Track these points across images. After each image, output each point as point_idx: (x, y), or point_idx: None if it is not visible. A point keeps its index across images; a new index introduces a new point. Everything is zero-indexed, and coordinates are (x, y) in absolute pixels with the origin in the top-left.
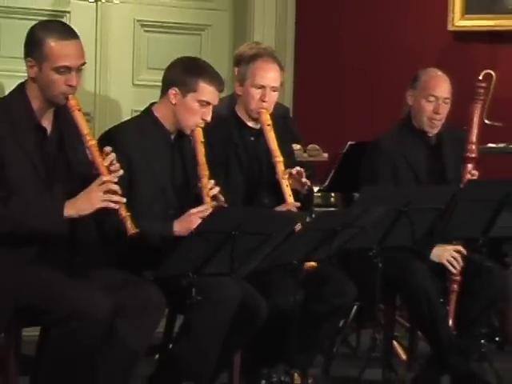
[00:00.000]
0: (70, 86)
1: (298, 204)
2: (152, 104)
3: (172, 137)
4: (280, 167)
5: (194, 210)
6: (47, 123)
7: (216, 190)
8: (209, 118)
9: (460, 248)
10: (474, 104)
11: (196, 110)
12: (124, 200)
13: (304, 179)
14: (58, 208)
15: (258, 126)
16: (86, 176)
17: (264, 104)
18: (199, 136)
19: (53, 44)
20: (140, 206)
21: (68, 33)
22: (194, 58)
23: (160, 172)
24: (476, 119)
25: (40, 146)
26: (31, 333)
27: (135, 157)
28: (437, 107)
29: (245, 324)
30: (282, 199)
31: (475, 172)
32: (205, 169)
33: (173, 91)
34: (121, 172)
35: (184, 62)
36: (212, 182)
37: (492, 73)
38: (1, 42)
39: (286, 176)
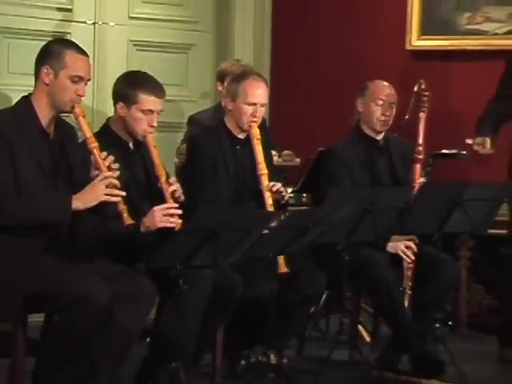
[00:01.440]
0: (79, 95)
1: (282, 212)
2: (108, 119)
3: (131, 144)
4: (264, 180)
5: (156, 208)
6: (50, 129)
7: (174, 187)
8: (155, 124)
9: (413, 237)
10: (420, 111)
11: (141, 118)
12: (123, 193)
13: (283, 194)
14: (66, 200)
15: (243, 137)
16: (83, 176)
17: (254, 119)
18: (151, 141)
19: (72, 55)
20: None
21: (83, 51)
22: (134, 71)
23: (124, 177)
24: (422, 125)
25: (45, 149)
26: (36, 318)
27: None
28: (385, 109)
29: (224, 301)
30: (263, 205)
31: (424, 180)
32: (161, 169)
33: (119, 105)
34: (118, 172)
35: (125, 78)
36: (171, 180)
37: (423, 84)
38: (10, 60)
39: (269, 188)
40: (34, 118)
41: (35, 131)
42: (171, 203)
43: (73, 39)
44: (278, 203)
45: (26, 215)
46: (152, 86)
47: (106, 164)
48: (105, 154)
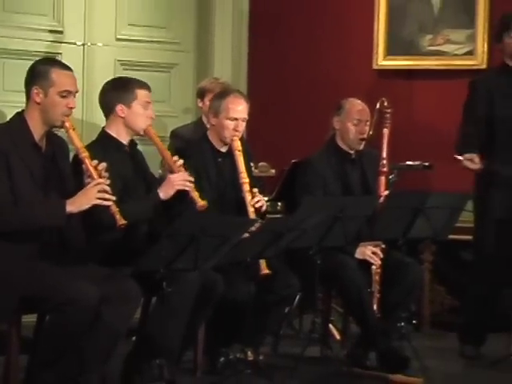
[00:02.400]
0: (70, 108)
1: (258, 219)
2: (103, 128)
3: (126, 148)
4: (246, 187)
5: (172, 175)
6: (42, 143)
7: (180, 162)
8: (153, 116)
9: (379, 243)
10: (384, 127)
11: (143, 112)
12: (114, 198)
13: (263, 208)
14: (60, 204)
15: (225, 150)
16: (72, 186)
17: (236, 133)
18: (153, 132)
19: (58, 73)
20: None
21: (67, 66)
22: (117, 77)
23: (124, 175)
24: (385, 140)
25: (37, 161)
26: (30, 319)
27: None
28: (361, 128)
29: (204, 298)
30: (244, 212)
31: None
32: (166, 151)
33: (119, 107)
34: (109, 181)
35: (113, 84)
36: (175, 157)
37: (385, 101)
38: (4, 78)
39: (251, 195)
40: (27, 133)
41: (28, 145)
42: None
43: (63, 59)
44: (259, 211)
45: (23, 221)
46: (143, 82)
47: (97, 171)
48: (96, 162)
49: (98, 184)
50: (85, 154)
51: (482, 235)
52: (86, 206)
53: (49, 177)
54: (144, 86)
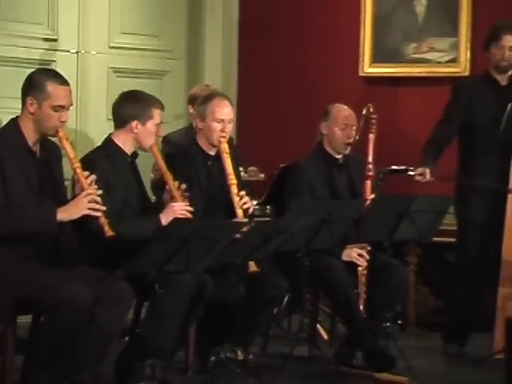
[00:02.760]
0: (62, 121)
1: (246, 220)
2: (110, 134)
3: (129, 158)
4: (233, 189)
5: (175, 204)
6: (36, 148)
7: (183, 187)
8: (163, 134)
9: (365, 245)
10: (369, 133)
11: (154, 131)
12: (104, 208)
13: (251, 210)
14: (52, 212)
15: (213, 153)
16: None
17: (223, 134)
18: (157, 149)
19: (53, 86)
20: (112, 211)
21: (64, 80)
22: (135, 91)
23: (125, 184)
24: (371, 145)
25: (32, 167)
26: (25, 319)
27: (109, 178)
28: (348, 133)
29: (195, 300)
30: (233, 213)
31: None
32: (167, 173)
33: (134, 123)
34: (100, 191)
35: (133, 98)
36: (177, 182)
37: (371, 107)
38: (0, 85)
39: (238, 196)
40: (21, 139)
41: (22, 150)
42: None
43: (58, 67)
44: (246, 212)
45: (15, 226)
46: (159, 101)
47: (88, 182)
48: (87, 173)
49: (89, 195)
50: (77, 165)
51: (464, 238)
52: (76, 216)
53: (43, 182)
54: (160, 106)
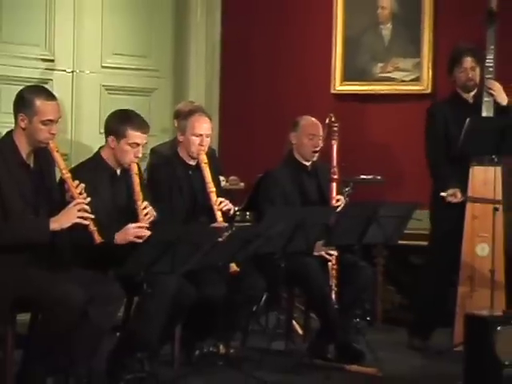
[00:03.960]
0: (52, 134)
1: (226, 224)
2: (100, 147)
3: (118, 171)
4: (213, 196)
5: (131, 225)
6: (30, 160)
7: (148, 209)
8: (140, 155)
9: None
10: (332, 140)
11: (128, 150)
12: (92, 216)
13: (230, 208)
14: (45, 222)
15: (194, 164)
16: (59, 198)
17: (201, 147)
18: (134, 169)
19: (41, 103)
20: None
21: (51, 95)
22: (124, 110)
23: (108, 197)
24: (334, 150)
25: (26, 178)
26: (24, 317)
27: (88, 189)
28: (315, 142)
29: (180, 305)
30: (213, 219)
31: (340, 197)
32: (139, 194)
33: (110, 139)
34: (89, 199)
35: (116, 115)
36: (145, 203)
37: (333, 117)
38: (1, 102)
39: (218, 203)
40: (15, 153)
41: (17, 163)
42: (143, 222)
43: (55, 85)
44: (227, 215)
45: (12, 236)
46: (139, 122)
47: (78, 191)
48: (77, 182)
49: (78, 204)
50: (67, 175)
51: (435, 243)
52: (67, 224)
53: (38, 192)
54: (139, 127)
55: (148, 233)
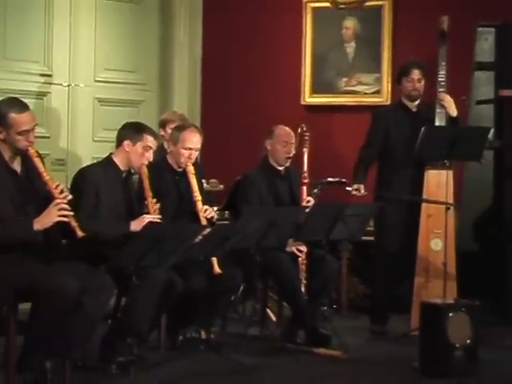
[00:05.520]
0: (30, 141)
1: (209, 226)
2: (110, 153)
3: (123, 174)
4: (199, 205)
5: (147, 216)
6: (17, 166)
7: (157, 205)
8: (151, 159)
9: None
10: (303, 147)
11: (142, 153)
12: (72, 213)
13: (213, 216)
14: (29, 223)
15: (181, 170)
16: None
17: (190, 160)
18: (145, 171)
19: (15, 116)
20: (102, 216)
21: (23, 107)
22: (136, 121)
23: (115, 195)
24: (305, 157)
25: (13, 183)
26: (25, 306)
27: (100, 186)
28: (288, 149)
29: (167, 295)
30: (198, 219)
31: (310, 198)
32: (149, 192)
33: (126, 142)
34: (70, 197)
35: (131, 124)
36: (154, 200)
37: (304, 127)
38: None
39: (203, 210)
40: (1, 160)
41: (3, 170)
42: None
43: (52, 98)
44: (210, 221)
45: (1, 238)
46: (152, 130)
47: (58, 191)
48: (57, 183)
49: (58, 204)
50: (47, 178)
51: (381, 239)
52: (49, 224)
53: (26, 197)
54: (152, 134)
55: (159, 221)
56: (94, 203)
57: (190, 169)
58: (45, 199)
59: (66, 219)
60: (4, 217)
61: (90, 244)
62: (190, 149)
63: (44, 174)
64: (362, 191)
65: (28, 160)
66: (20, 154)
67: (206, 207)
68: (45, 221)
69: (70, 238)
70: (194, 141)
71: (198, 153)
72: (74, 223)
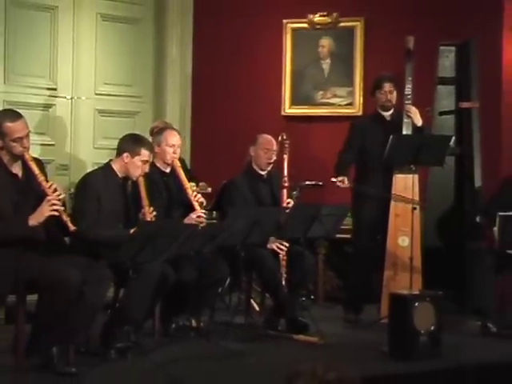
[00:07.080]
0: (25, 147)
1: (203, 211)
2: (110, 160)
3: (121, 180)
4: (189, 191)
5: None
6: (18, 170)
7: (153, 213)
8: (147, 170)
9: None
10: (284, 154)
11: (139, 166)
12: (62, 208)
13: (203, 200)
14: (24, 220)
15: (168, 171)
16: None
17: (175, 155)
18: (142, 181)
19: (7, 126)
20: (103, 220)
21: (17, 116)
22: (135, 134)
23: (114, 199)
24: (285, 163)
25: (13, 185)
26: (32, 297)
27: (101, 192)
28: (269, 156)
29: (161, 286)
30: (191, 209)
31: (290, 200)
32: (146, 200)
33: (125, 155)
34: (63, 195)
35: (131, 137)
36: (151, 209)
37: (284, 135)
38: None
39: (194, 195)
40: (2, 166)
41: (3, 174)
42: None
43: (57, 109)
44: (202, 205)
45: (1, 235)
46: (149, 144)
47: (51, 190)
48: (50, 182)
49: (49, 200)
50: (41, 179)
51: (357, 234)
52: (42, 219)
53: (26, 199)
54: (150, 148)
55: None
56: (97, 208)
57: (177, 163)
58: (42, 199)
59: (56, 213)
60: (4, 216)
61: (90, 244)
62: (173, 145)
63: (38, 176)
64: (346, 182)
65: (27, 164)
66: (18, 159)
67: (195, 193)
68: (38, 216)
69: (70, 237)
70: (174, 139)
71: (180, 150)
72: (65, 218)
